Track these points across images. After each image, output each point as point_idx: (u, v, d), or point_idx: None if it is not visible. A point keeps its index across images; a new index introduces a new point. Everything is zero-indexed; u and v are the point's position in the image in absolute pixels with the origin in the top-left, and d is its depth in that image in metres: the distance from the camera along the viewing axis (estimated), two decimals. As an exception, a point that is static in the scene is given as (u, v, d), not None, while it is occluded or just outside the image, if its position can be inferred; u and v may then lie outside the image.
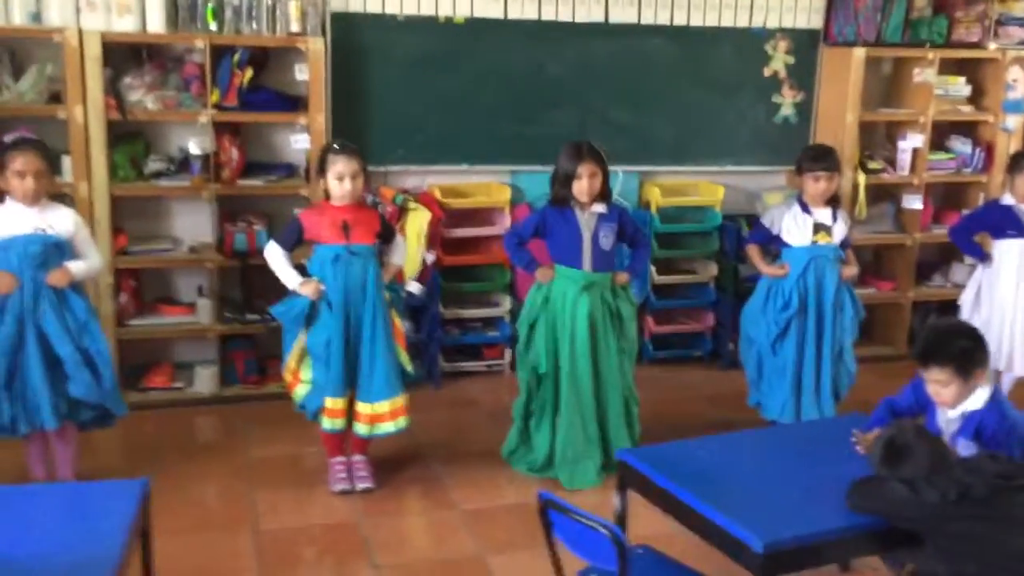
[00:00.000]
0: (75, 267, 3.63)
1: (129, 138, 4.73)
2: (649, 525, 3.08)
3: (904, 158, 5.68)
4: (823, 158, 4.34)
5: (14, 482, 3.59)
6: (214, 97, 4.61)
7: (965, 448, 2.65)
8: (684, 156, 5.60)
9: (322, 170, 3.83)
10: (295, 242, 3.89)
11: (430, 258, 5.00)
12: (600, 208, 4.06)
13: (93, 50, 4.40)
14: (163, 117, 4.68)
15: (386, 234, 3.93)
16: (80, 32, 4.39)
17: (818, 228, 4.35)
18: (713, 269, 5.60)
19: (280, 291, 4.92)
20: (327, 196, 3.89)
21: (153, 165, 4.77)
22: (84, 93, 4.42)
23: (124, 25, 4.46)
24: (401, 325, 3.99)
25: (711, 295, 5.65)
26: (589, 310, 4.03)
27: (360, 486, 3.96)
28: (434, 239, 5.00)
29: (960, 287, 5.86)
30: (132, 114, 4.55)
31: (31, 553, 2.24)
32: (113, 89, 4.51)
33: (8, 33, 4.44)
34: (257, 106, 4.73)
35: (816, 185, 4.32)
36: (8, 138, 3.68)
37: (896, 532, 2.48)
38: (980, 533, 2.31)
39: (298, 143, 4.78)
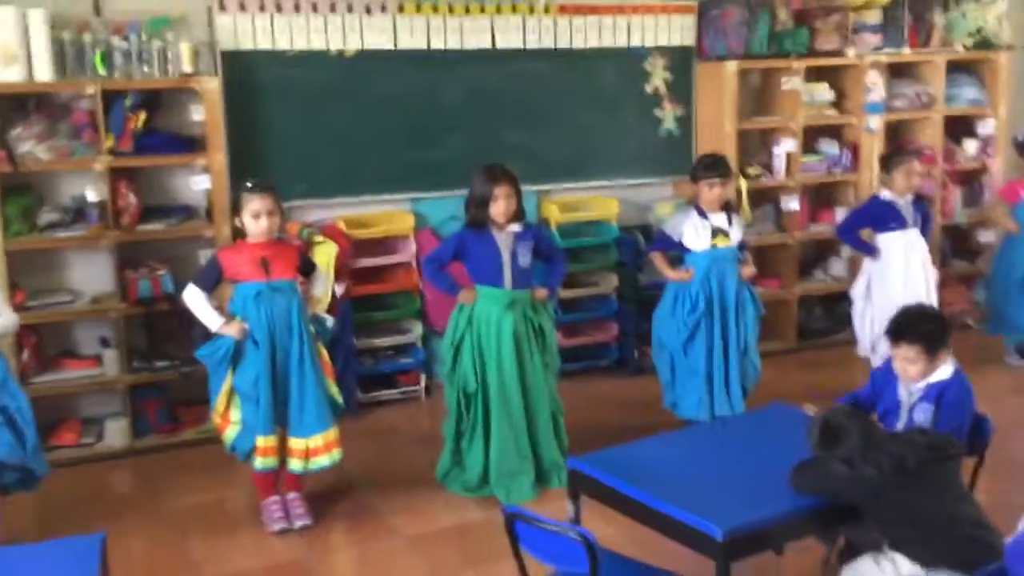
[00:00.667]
0: None
1: (19, 191, 4.58)
2: (598, 528, 3.18)
3: (779, 162, 6.03)
4: (716, 166, 4.58)
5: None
6: (108, 143, 4.52)
7: (923, 412, 2.90)
8: (578, 173, 5.80)
9: (236, 209, 3.82)
10: (215, 282, 3.86)
11: (340, 290, 5.01)
12: (516, 227, 4.18)
13: (-23, 102, 4.26)
14: (56, 166, 4.55)
15: (306, 267, 3.95)
16: (-38, 84, 4.24)
17: (716, 232, 4.58)
18: (614, 280, 5.80)
19: (187, 335, 4.87)
20: (243, 235, 3.88)
21: (46, 216, 4.64)
22: (-29, 147, 4.27)
23: (10, 75, 4.33)
24: (328, 357, 4.00)
25: (613, 306, 5.84)
26: (513, 327, 4.13)
27: (298, 523, 3.94)
28: (342, 271, 5.01)
29: (839, 280, 6.31)
30: (24, 166, 4.41)
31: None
32: (1, 141, 4.36)
33: None
34: (153, 149, 4.66)
35: (711, 192, 4.55)
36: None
37: (837, 508, 2.67)
38: (916, 501, 2.51)
39: (198, 184, 4.73)
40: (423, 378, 5.51)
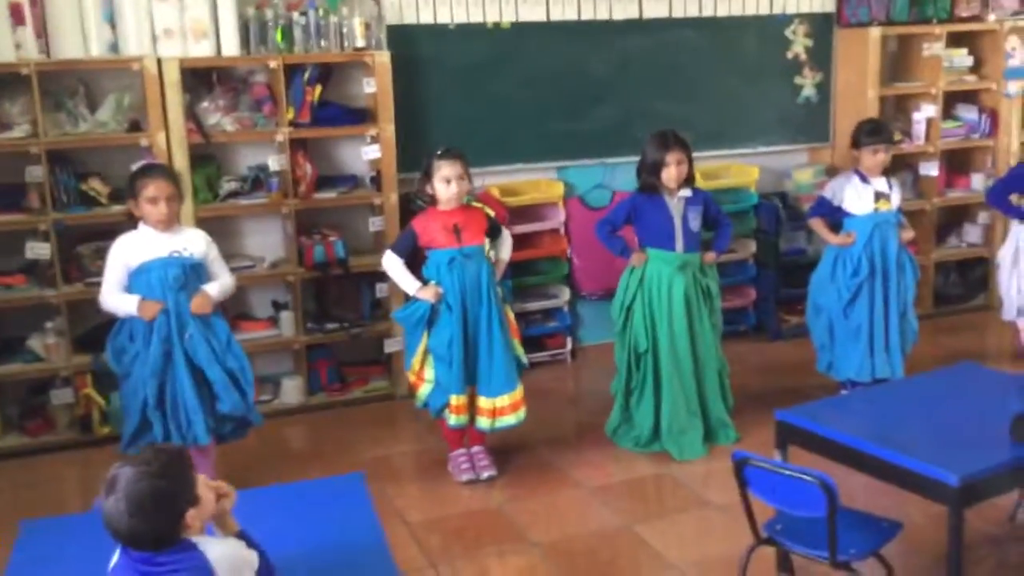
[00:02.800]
0: (213, 290, 3.77)
1: (203, 161, 4.83)
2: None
3: (919, 128, 6.04)
4: (880, 132, 4.65)
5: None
6: (289, 114, 4.74)
7: None
8: (719, 140, 5.89)
9: (427, 175, 4.00)
10: (410, 249, 4.05)
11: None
12: (686, 192, 4.31)
13: (172, 76, 4.50)
14: (241, 138, 4.79)
15: (493, 231, 4.12)
16: (159, 60, 4.48)
17: (878, 196, 4.66)
18: (752, 246, 5.89)
19: (356, 298, 5.10)
20: (434, 202, 4.07)
21: (227, 186, 4.88)
22: (165, 119, 4.52)
23: (200, 50, 4.56)
24: (513, 318, 4.18)
25: (752, 271, 5.94)
26: (684, 289, 4.28)
27: (484, 475, 4.15)
28: (501, 237, 5.18)
29: (974, 246, 6.32)
30: (213, 137, 4.65)
31: (306, 547, 2.39)
32: (191, 114, 4.61)
33: (88, 65, 4.51)
34: (328, 121, 4.87)
35: (875, 157, 4.62)
36: (136, 166, 3.78)
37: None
38: None
39: (368, 154, 4.93)
40: (569, 341, 5.68)
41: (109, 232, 4.64)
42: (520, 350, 4.16)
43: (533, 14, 5.36)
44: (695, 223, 4.32)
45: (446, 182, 3.95)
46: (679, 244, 4.28)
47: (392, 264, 4.04)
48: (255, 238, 5.10)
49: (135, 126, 4.59)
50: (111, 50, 4.50)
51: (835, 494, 2.59)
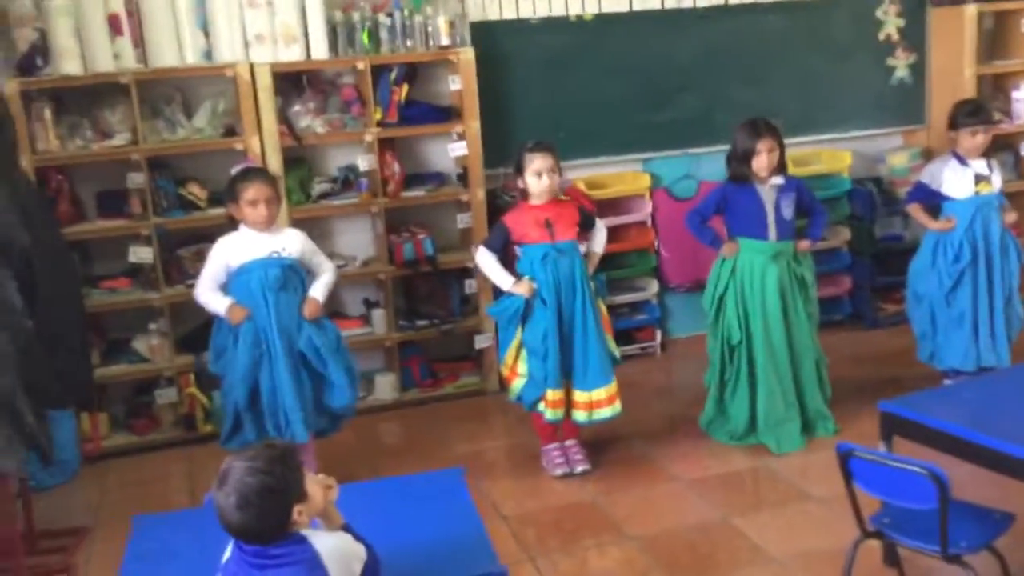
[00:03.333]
0: (319, 293, 3.86)
1: (295, 163, 4.93)
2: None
3: (1019, 107, 5.83)
4: (979, 112, 4.50)
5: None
6: (377, 115, 4.80)
7: None
8: (809, 126, 5.76)
9: (519, 169, 4.00)
10: (503, 244, 4.07)
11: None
12: (779, 180, 4.23)
13: (264, 81, 4.60)
14: (331, 139, 4.88)
15: (586, 224, 4.11)
16: (251, 65, 4.58)
17: (979, 179, 4.50)
18: (846, 234, 5.76)
19: (446, 295, 5.14)
20: (524, 196, 4.08)
21: (319, 187, 4.97)
22: (259, 123, 4.62)
23: (291, 55, 4.65)
24: (606, 313, 4.17)
25: (846, 259, 5.80)
26: (778, 279, 4.21)
27: (578, 469, 4.14)
28: (590, 231, 5.17)
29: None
30: (305, 139, 4.74)
31: (408, 541, 2.42)
32: (283, 117, 4.71)
33: (183, 73, 4.64)
34: (415, 120, 4.93)
35: (974, 139, 4.47)
36: (236, 169, 3.88)
37: None
38: None
39: (455, 151, 4.97)
40: (659, 334, 5.63)
41: (208, 235, 4.78)
42: (613, 344, 4.15)
43: (615, 5, 5.32)
44: (788, 211, 4.24)
45: (538, 175, 3.96)
46: (772, 233, 4.21)
47: (485, 260, 4.06)
48: (346, 237, 5.18)
49: (230, 131, 4.71)
50: (205, 57, 4.62)
51: (946, 485, 2.52)
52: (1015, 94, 5.82)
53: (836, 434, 4.31)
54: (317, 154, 5.07)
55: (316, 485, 2.14)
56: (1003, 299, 4.52)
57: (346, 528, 2.21)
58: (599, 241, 4.20)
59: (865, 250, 5.71)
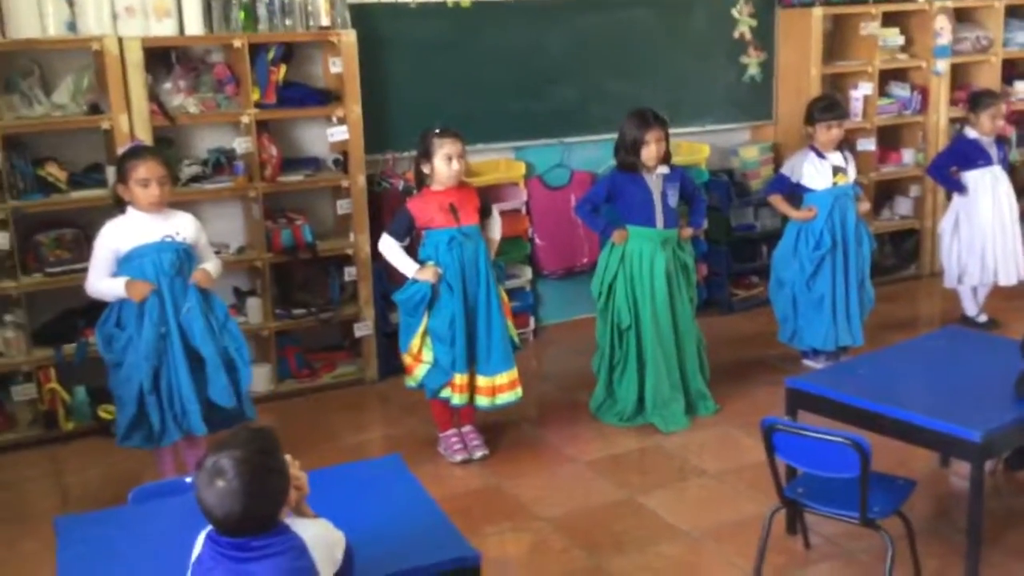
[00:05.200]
0: (212, 267, 3.67)
1: (159, 145, 4.65)
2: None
3: (856, 105, 6.27)
4: (834, 108, 4.83)
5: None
6: (255, 95, 4.62)
7: None
8: (671, 119, 5.95)
9: (426, 154, 3.96)
10: (407, 231, 4.02)
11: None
12: (664, 169, 4.39)
13: (135, 56, 4.33)
14: (206, 119, 4.65)
15: (485, 210, 4.11)
16: (120, 39, 4.31)
17: (836, 171, 4.83)
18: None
19: (324, 283, 5.02)
20: (420, 183, 4.04)
21: (188, 170, 4.73)
22: (128, 101, 4.35)
23: (163, 29, 4.41)
24: (507, 298, 4.19)
25: (703, 247, 6.07)
26: (665, 265, 4.36)
27: (477, 454, 4.16)
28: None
29: (906, 218, 6.62)
30: (178, 119, 4.50)
31: (369, 524, 2.36)
32: (154, 96, 4.45)
33: (44, 45, 4.29)
34: (293, 102, 4.78)
35: (829, 132, 4.79)
36: (123, 149, 3.64)
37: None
38: None
39: (335, 135, 4.85)
40: (532, 320, 5.72)
41: (69, 220, 4.49)
42: (514, 330, 4.18)
43: (493, -7, 5.35)
44: (673, 199, 4.41)
45: (448, 160, 3.92)
46: (659, 221, 4.36)
47: (389, 247, 4.00)
48: (217, 223, 4.92)
49: (95, 108, 4.40)
50: (69, 29, 4.30)
51: (868, 454, 2.70)
52: (853, 93, 6.26)
53: (716, 413, 4.52)
54: (185, 136, 4.82)
55: (294, 469, 2.07)
56: (857, 283, 4.88)
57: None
58: (496, 227, 4.22)
59: (721, 239, 6.00)
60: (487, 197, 4.21)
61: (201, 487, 1.91)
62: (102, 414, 4.37)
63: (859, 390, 3.10)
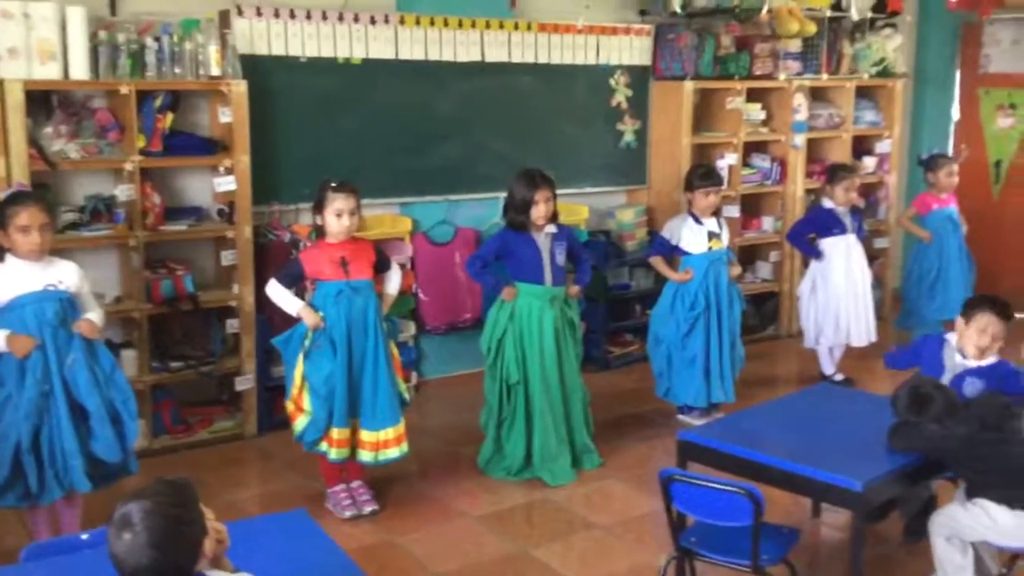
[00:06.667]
0: (96, 317, 3.54)
1: (35, 190, 4.48)
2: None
3: (723, 174, 6.61)
4: (711, 176, 5.10)
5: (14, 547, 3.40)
6: (140, 142, 4.52)
7: (971, 386, 3.42)
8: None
9: (319, 207, 3.96)
10: (296, 281, 4.00)
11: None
12: (552, 228, 4.53)
13: (16, 98, 4.19)
14: (89, 165, 4.51)
15: (381, 265, 4.13)
16: (1, 81, 4.16)
17: (711, 236, 5.09)
18: (581, 281, 6.20)
19: (206, 335, 4.92)
20: (320, 234, 4.04)
21: (65, 216, 4.57)
22: (5, 145, 4.19)
23: (47, 72, 4.28)
24: (397, 353, 4.20)
25: (581, 304, 6.23)
26: (554, 321, 4.47)
27: (367, 509, 4.12)
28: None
29: (767, 282, 7.00)
30: (58, 165, 4.35)
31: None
32: (33, 140, 4.30)
33: (-84, 83, 4.10)
34: (180, 150, 4.70)
35: (707, 199, 5.06)
36: (3, 193, 3.49)
37: (927, 463, 3.19)
38: (1002, 451, 3.06)
39: (222, 185, 4.79)
40: (414, 376, 5.73)
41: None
42: (403, 385, 4.19)
43: (382, 51, 5.43)
44: (561, 258, 4.54)
45: (338, 215, 3.94)
46: (548, 278, 4.48)
47: (275, 290, 3.98)
48: (93, 272, 4.67)
49: (-33, 150, 4.21)
50: (-56, 67, 4.12)
51: (762, 505, 2.84)
52: (720, 163, 6.60)
53: (600, 466, 4.63)
54: (61, 181, 4.66)
55: (211, 521, 2.03)
56: (729, 343, 5.12)
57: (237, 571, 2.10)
58: (394, 282, 4.24)
59: (599, 297, 6.19)
60: (383, 252, 4.23)
61: (111, 539, 1.87)
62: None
63: (747, 443, 3.27)
